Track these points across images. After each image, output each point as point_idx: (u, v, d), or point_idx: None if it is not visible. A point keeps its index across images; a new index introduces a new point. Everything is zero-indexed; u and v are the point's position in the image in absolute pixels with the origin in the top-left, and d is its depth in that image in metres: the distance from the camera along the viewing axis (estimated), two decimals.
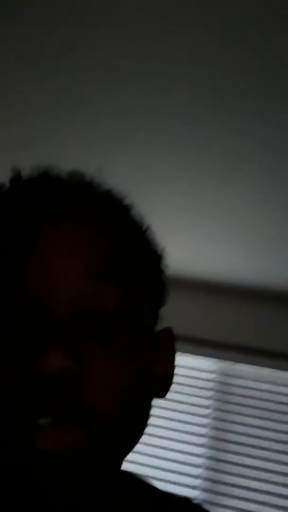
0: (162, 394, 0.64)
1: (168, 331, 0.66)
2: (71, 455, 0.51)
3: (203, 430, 2.51)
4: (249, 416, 2.50)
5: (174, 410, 2.52)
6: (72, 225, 0.56)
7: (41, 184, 0.60)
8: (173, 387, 0.64)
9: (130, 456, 0.58)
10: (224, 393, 2.57)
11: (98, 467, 0.53)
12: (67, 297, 0.53)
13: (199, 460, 2.46)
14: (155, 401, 0.62)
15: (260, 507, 2.36)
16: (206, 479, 2.42)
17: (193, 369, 2.60)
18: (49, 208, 0.57)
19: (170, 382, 0.64)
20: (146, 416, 0.59)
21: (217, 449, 2.47)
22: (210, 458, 2.46)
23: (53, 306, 0.53)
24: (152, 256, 0.64)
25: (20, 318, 0.53)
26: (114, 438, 0.54)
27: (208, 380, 2.59)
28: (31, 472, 0.52)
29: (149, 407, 0.60)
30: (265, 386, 2.55)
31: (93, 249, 0.56)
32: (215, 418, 2.52)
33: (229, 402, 2.54)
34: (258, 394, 2.54)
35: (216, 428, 2.51)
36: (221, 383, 2.58)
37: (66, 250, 0.55)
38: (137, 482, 0.67)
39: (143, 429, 0.59)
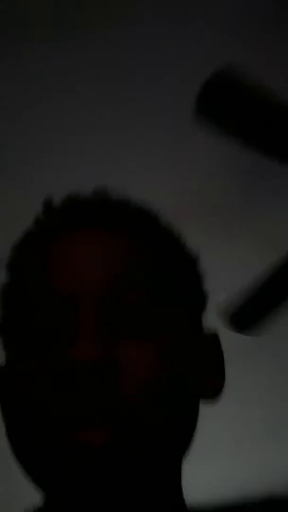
0: (210, 400, 0.63)
1: (213, 335, 0.66)
2: (103, 452, 0.52)
3: None
4: None
5: None
6: (101, 231, 0.60)
7: (71, 200, 0.64)
8: None
9: None
10: None
11: (133, 467, 0.53)
12: (96, 297, 0.56)
13: None
14: None
15: None
16: None
17: None
18: (80, 217, 0.61)
19: (220, 386, 0.64)
20: (188, 419, 0.59)
21: None
22: None
23: (82, 306, 0.55)
24: (185, 262, 0.65)
25: (49, 317, 0.56)
26: (147, 436, 0.54)
27: None
28: (64, 468, 0.52)
29: (192, 410, 0.59)
30: None
31: (121, 254, 0.59)
32: None
33: None
34: None
35: None
36: None
37: (95, 255, 0.58)
38: None
39: (187, 435, 0.58)
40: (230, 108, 1.43)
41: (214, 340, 0.66)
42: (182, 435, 0.58)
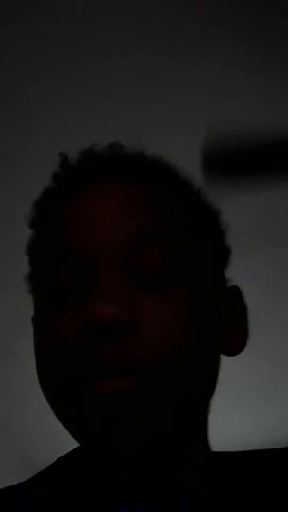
0: (233, 352, 0.64)
1: (234, 288, 0.66)
2: (125, 400, 0.53)
3: None
4: None
5: None
6: (116, 184, 0.59)
7: (85, 156, 0.64)
8: None
9: None
10: None
11: (154, 415, 0.54)
12: (114, 252, 0.56)
13: None
14: None
15: None
16: None
17: None
18: (94, 171, 0.61)
19: (243, 338, 0.64)
20: (210, 370, 0.60)
21: None
22: None
23: (101, 261, 0.56)
24: (206, 216, 0.64)
25: (70, 274, 0.57)
26: (170, 385, 0.55)
27: None
28: (87, 420, 0.54)
29: (213, 362, 0.60)
30: None
31: (138, 207, 0.58)
32: None
33: None
34: None
35: None
36: None
37: (112, 208, 0.58)
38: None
39: (208, 385, 0.60)
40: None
41: (236, 293, 0.65)
42: (203, 384, 0.59)
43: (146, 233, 0.57)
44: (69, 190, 0.60)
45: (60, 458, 0.66)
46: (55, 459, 0.67)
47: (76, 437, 0.58)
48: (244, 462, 0.63)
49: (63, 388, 0.56)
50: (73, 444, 0.61)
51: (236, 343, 0.64)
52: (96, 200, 0.58)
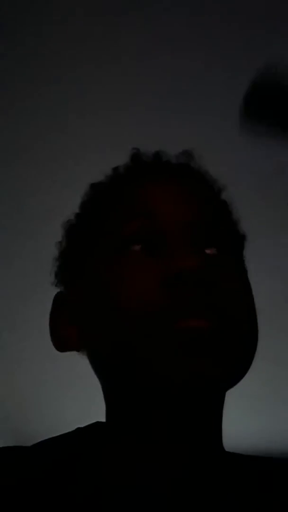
0: None
1: None
2: (205, 337, 0.60)
3: None
4: None
5: None
6: (178, 179, 0.72)
7: (157, 159, 0.76)
8: None
9: None
10: None
11: (227, 359, 0.61)
12: (182, 226, 0.66)
13: None
14: None
15: None
16: None
17: None
18: (160, 169, 0.74)
19: None
20: (257, 335, 0.67)
21: None
22: None
23: (171, 231, 0.65)
24: (228, 204, 0.76)
25: (142, 229, 0.66)
26: (238, 330, 0.62)
27: None
28: (166, 354, 0.60)
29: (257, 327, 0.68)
30: None
31: (194, 197, 0.70)
32: None
33: None
34: None
35: None
36: None
37: (178, 195, 0.69)
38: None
39: (255, 349, 0.66)
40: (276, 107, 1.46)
41: None
42: (254, 349, 0.66)
43: (203, 215, 0.68)
44: (144, 178, 0.71)
45: (78, 429, 0.70)
46: None
47: (136, 374, 0.62)
48: (254, 465, 0.69)
49: (144, 325, 0.61)
50: None
51: None
52: (168, 190, 0.69)
